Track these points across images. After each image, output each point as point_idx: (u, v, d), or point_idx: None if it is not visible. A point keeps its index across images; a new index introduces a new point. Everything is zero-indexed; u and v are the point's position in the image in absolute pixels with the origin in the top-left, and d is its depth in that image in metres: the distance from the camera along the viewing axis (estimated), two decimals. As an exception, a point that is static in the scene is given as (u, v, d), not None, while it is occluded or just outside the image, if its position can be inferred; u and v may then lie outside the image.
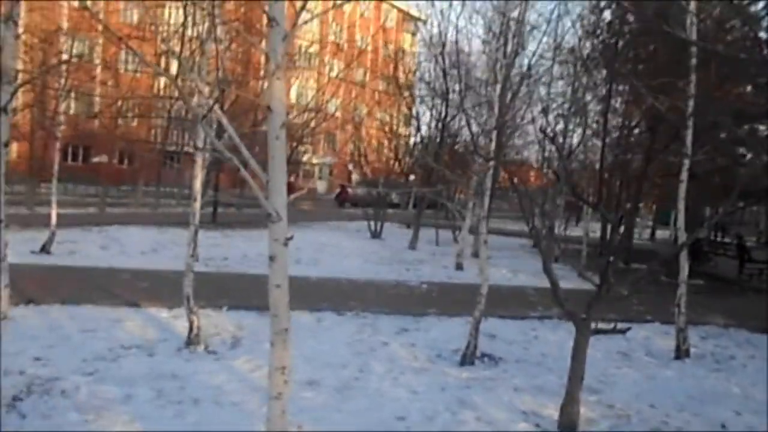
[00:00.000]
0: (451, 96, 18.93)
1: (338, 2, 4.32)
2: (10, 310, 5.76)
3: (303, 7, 4.00)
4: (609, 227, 24.87)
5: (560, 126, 21.22)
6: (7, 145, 5.34)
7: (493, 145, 8.61)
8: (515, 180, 6.99)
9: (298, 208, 34.38)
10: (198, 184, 7.76)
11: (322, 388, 6.56)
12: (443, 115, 19.93)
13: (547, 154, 23.82)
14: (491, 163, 8.44)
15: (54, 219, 13.63)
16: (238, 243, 17.63)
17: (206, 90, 3.96)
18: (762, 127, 18.15)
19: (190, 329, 7.67)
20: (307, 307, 9.89)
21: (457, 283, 14.01)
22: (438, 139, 20.69)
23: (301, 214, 32.06)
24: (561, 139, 20.94)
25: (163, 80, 26.55)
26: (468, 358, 8.08)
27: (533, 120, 17.55)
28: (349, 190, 40.48)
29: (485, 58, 17.06)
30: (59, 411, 5.45)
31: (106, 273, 11.73)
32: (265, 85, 24.76)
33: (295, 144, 28.66)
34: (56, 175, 13.83)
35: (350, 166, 52.94)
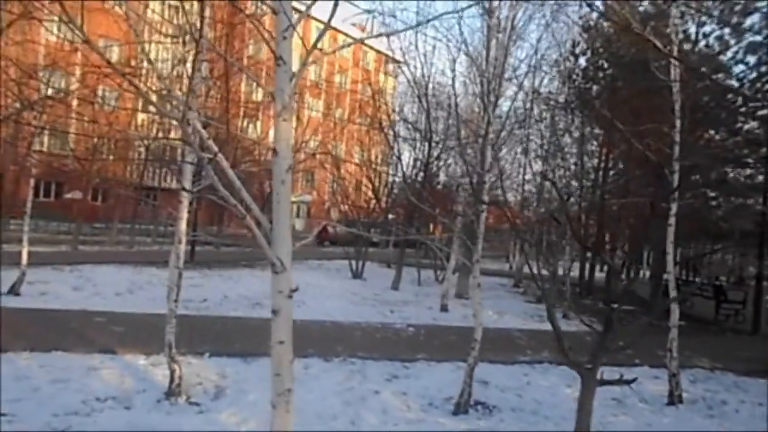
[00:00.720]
0: (435, 136, 18.87)
1: (345, 43, 4.07)
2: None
3: (314, 46, 3.75)
4: (588, 267, 24.99)
5: (538, 167, 21.40)
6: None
7: (486, 188, 8.39)
8: (516, 222, 6.75)
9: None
10: (183, 225, 7.39)
11: (314, 444, 6.15)
12: (426, 155, 19.80)
13: (527, 194, 23.94)
14: (483, 206, 8.22)
15: (25, 258, 13.03)
16: (217, 283, 17.12)
17: (204, 132, 3.63)
18: (730, 171, 18.56)
19: (171, 379, 7.21)
20: (294, 353, 9.47)
21: (444, 326, 13.67)
22: (420, 179, 20.52)
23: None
24: (541, 181, 21.04)
25: (140, 117, 26.19)
26: (462, 407, 7.77)
27: (527, 162, 17.49)
28: (329, 228, 40.07)
29: (471, 99, 17.14)
30: (27, 475, 4.97)
31: (79, 316, 11.14)
32: (246, 122, 24.49)
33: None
34: (29, 212, 13.27)
35: (328, 205, 52.71)
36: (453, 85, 12.90)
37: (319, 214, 53.68)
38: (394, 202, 25.73)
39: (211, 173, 3.28)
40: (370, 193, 26.80)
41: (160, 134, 25.09)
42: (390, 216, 26.38)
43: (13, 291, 12.49)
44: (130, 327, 10.61)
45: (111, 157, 28.70)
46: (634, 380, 6.74)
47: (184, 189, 7.50)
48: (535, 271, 7.45)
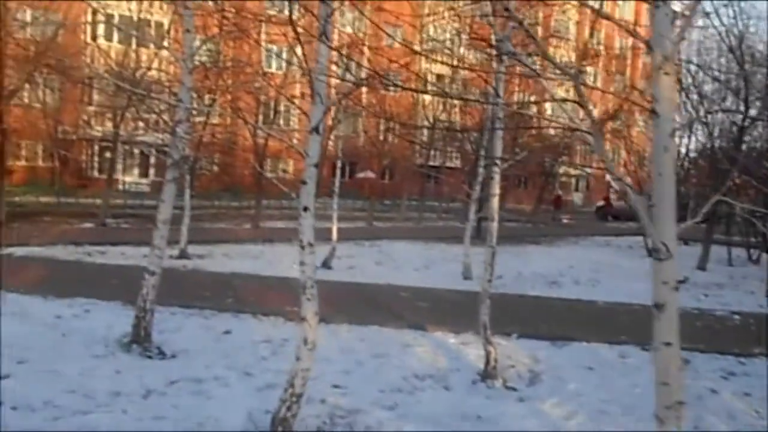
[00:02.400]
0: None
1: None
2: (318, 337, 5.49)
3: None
4: None
5: None
6: (317, 166, 5.06)
7: None
8: None
9: (558, 222, 32.92)
10: (496, 202, 7.08)
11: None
12: (741, 116, 17.08)
13: None
14: None
15: (335, 234, 14.05)
16: (507, 259, 16.71)
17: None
18: None
19: (487, 361, 6.97)
20: (604, 339, 8.75)
21: (778, 316, 11.68)
22: (728, 143, 17.88)
23: (562, 228, 30.57)
24: None
25: (425, 98, 26.97)
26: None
27: None
28: (613, 202, 37.81)
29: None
30: (367, 450, 5.02)
31: (386, 290, 11.65)
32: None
33: (556, 157, 27.42)
34: (337, 191, 14.26)
35: (609, 177, 49.79)
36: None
37: (598, 187, 51.08)
38: (687, 172, 22.98)
39: (601, 144, 2.76)
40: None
41: (443, 115, 25.69)
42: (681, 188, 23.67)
43: (326, 265, 13.52)
44: (434, 303, 10.79)
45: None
46: None
47: (493, 162, 7.16)
48: None
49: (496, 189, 7.08)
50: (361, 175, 34.36)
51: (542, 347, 8.36)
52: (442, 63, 10.65)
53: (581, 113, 3.37)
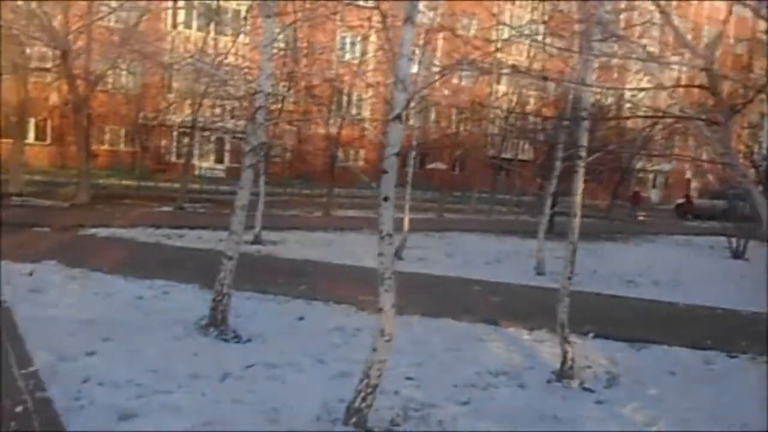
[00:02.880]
0: None
1: None
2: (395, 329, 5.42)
3: None
4: None
5: None
6: (398, 155, 5.00)
7: None
8: None
9: (635, 219, 31.86)
10: (579, 198, 6.83)
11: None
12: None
13: None
14: None
15: (406, 224, 13.99)
16: (582, 256, 16.08)
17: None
18: None
19: (564, 360, 6.76)
20: (686, 343, 8.36)
21: None
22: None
23: (639, 225, 29.61)
24: None
25: (499, 89, 26.57)
26: None
27: None
28: (694, 200, 36.35)
29: None
30: (440, 446, 4.94)
31: (457, 283, 11.54)
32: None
33: (636, 151, 26.47)
34: (410, 182, 14.14)
35: (689, 174, 47.84)
36: None
37: (678, 184, 49.25)
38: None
39: (729, 136, 2.57)
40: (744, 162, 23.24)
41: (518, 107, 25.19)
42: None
43: (397, 255, 13.44)
44: (506, 298, 10.61)
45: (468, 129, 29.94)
46: None
47: (578, 156, 6.91)
48: None
49: (580, 183, 6.83)
50: (431, 166, 34.18)
51: (620, 348, 8.06)
52: (536, 43, 9.81)
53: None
